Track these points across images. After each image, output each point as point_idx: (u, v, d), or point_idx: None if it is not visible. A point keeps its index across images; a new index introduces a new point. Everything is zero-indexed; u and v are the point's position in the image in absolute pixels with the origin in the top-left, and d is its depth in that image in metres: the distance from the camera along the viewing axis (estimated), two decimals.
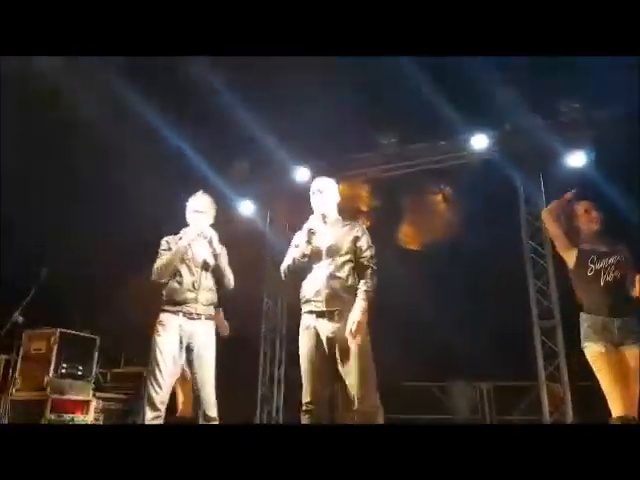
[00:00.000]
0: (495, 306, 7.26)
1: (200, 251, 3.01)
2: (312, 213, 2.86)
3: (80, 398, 4.32)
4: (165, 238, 3.06)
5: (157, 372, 2.70)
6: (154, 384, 2.69)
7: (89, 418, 4.26)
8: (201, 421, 2.72)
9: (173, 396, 4.46)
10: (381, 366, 2.54)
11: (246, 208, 7.69)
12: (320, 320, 2.54)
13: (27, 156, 5.07)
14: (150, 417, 2.63)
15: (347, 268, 2.61)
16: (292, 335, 7.34)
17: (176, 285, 2.89)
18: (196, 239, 3.00)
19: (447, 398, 6.85)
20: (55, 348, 4.30)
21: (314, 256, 2.66)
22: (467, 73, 4.92)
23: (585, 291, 2.72)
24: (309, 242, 2.66)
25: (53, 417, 3.95)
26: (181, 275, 2.91)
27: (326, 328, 2.52)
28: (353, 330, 2.41)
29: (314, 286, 2.61)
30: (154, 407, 2.65)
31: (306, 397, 2.53)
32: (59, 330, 4.36)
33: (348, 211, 2.97)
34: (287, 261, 2.78)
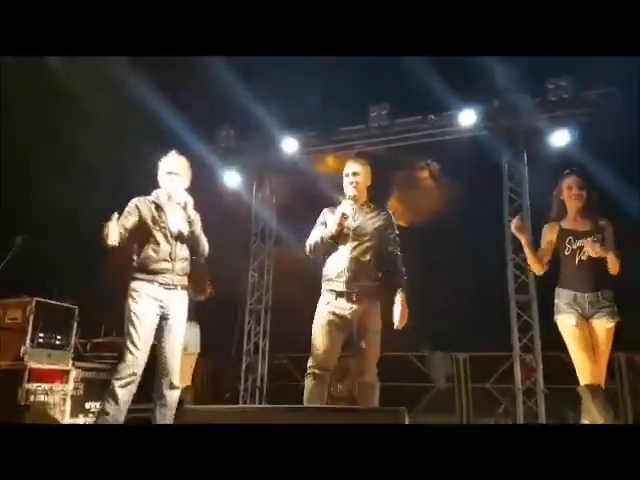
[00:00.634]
0: (475, 280, 7.46)
1: (175, 218, 2.84)
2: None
3: (59, 367, 4.30)
4: (135, 199, 2.85)
5: (134, 335, 2.63)
6: (130, 347, 2.62)
7: (69, 387, 4.26)
8: (166, 389, 2.69)
9: None
10: None
11: (231, 179, 7.58)
12: (339, 299, 2.69)
13: (7, 125, 4.91)
14: (121, 383, 2.57)
15: (370, 253, 2.73)
16: (277, 306, 7.47)
17: (152, 253, 2.76)
18: (170, 204, 2.85)
19: (425, 367, 7.14)
20: (31, 318, 4.21)
21: (341, 237, 2.74)
22: None
23: (562, 267, 2.84)
24: (340, 225, 2.71)
25: (31, 387, 3.94)
26: (157, 243, 2.77)
27: (344, 307, 2.68)
28: (400, 322, 2.63)
29: (337, 267, 2.73)
30: (128, 373, 2.60)
31: (314, 362, 2.68)
32: (35, 299, 4.27)
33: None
34: (314, 238, 2.84)
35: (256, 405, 6.40)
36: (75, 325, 4.62)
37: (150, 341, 2.74)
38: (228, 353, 7.58)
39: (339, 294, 2.69)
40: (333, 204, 2.98)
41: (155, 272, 2.75)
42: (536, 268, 2.88)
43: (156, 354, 2.80)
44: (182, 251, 2.85)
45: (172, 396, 2.73)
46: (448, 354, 6.88)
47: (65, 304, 4.61)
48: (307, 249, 2.87)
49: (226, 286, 7.53)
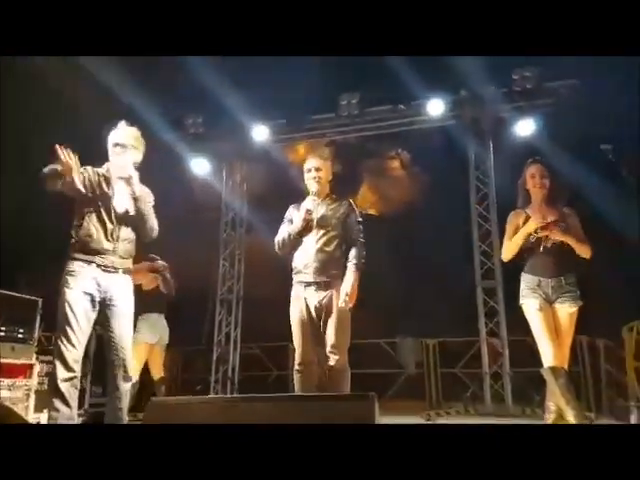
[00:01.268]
0: (443, 267, 7.63)
1: (121, 195, 2.62)
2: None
3: (22, 362, 4.16)
4: (87, 167, 2.63)
5: (68, 329, 2.42)
6: (65, 342, 2.41)
7: (33, 382, 4.11)
8: (119, 381, 2.52)
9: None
10: None
11: (200, 166, 7.42)
12: (308, 290, 2.77)
13: None
14: (64, 377, 2.40)
15: (335, 242, 2.81)
16: (249, 296, 7.42)
17: (92, 231, 2.53)
18: (116, 179, 2.62)
19: (396, 353, 7.27)
20: None
21: (305, 229, 2.83)
22: None
23: (527, 254, 2.92)
24: (305, 221, 2.80)
25: None
26: (99, 220, 2.55)
27: (314, 297, 2.75)
28: (346, 301, 2.66)
29: (304, 259, 2.80)
30: (67, 366, 2.41)
31: (298, 359, 2.77)
32: None
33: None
34: (282, 234, 2.92)
35: (226, 395, 6.36)
36: (39, 318, 4.46)
37: (88, 332, 2.52)
38: (198, 344, 7.50)
39: (307, 285, 2.77)
40: (304, 193, 3.02)
41: (94, 252, 2.52)
42: (507, 255, 2.93)
43: (105, 344, 2.59)
44: (126, 231, 2.62)
45: (125, 388, 2.54)
46: (418, 340, 7.02)
47: (28, 296, 4.44)
48: (276, 246, 2.95)
49: (196, 276, 7.43)
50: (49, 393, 2.57)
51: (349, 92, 6.57)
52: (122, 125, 2.69)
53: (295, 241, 2.84)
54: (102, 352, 2.67)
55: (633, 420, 3.74)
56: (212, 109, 7.08)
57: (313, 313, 2.75)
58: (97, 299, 2.52)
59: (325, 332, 2.72)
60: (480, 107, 6.38)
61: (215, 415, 1.42)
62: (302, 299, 2.77)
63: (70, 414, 2.42)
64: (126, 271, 2.63)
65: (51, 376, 2.54)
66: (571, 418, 2.51)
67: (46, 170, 2.50)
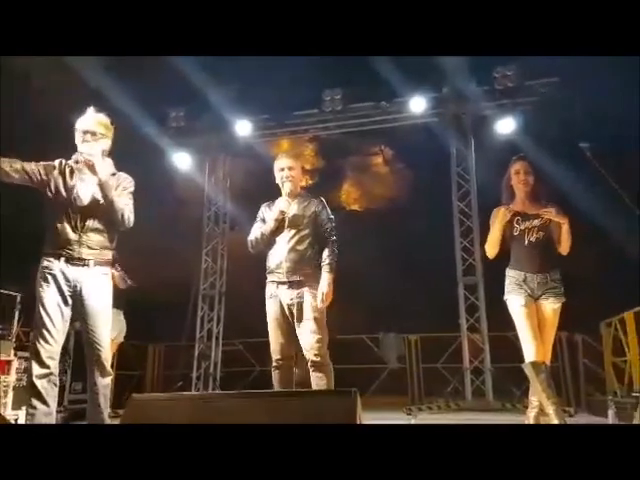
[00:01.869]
0: (424, 263, 7.71)
1: (86, 183, 2.53)
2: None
3: (1, 358, 4.07)
4: (58, 160, 2.55)
5: (41, 325, 2.39)
6: (39, 338, 2.39)
7: (11, 379, 4.02)
8: (97, 377, 2.46)
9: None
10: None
11: (182, 161, 7.30)
12: (281, 288, 2.79)
13: None
14: (38, 373, 2.36)
15: (307, 241, 2.83)
16: (231, 291, 7.36)
17: (58, 224, 2.45)
18: (82, 168, 2.53)
19: (378, 349, 7.32)
20: None
21: (278, 228, 2.84)
22: None
23: (512, 248, 2.94)
24: (277, 220, 2.82)
25: None
26: (65, 213, 2.47)
27: (287, 296, 2.78)
28: (323, 301, 2.70)
29: (276, 258, 2.82)
30: (41, 363, 2.38)
31: (275, 355, 2.81)
32: None
33: None
34: (254, 234, 2.92)
35: (207, 392, 6.31)
36: (17, 313, 4.36)
37: (64, 328, 2.47)
38: (180, 340, 7.42)
39: (280, 284, 2.79)
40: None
41: (61, 245, 2.46)
42: (491, 251, 2.95)
43: (82, 340, 2.52)
44: (93, 221, 2.51)
45: (103, 383, 2.47)
46: (400, 335, 7.08)
47: (6, 291, 4.33)
48: (249, 245, 2.96)
49: (177, 271, 7.33)
50: (26, 390, 2.52)
51: (332, 88, 6.56)
52: (90, 111, 2.58)
53: (268, 240, 2.85)
54: (81, 348, 2.61)
55: (610, 414, 3.82)
56: (194, 103, 6.98)
57: (287, 311, 2.78)
58: (67, 293, 2.44)
59: (301, 330, 2.74)
60: (462, 105, 6.44)
61: (196, 412, 1.40)
62: (276, 298, 2.80)
63: (47, 411, 2.36)
64: (99, 263, 2.52)
65: (27, 372, 2.49)
66: (551, 412, 2.55)
67: None
